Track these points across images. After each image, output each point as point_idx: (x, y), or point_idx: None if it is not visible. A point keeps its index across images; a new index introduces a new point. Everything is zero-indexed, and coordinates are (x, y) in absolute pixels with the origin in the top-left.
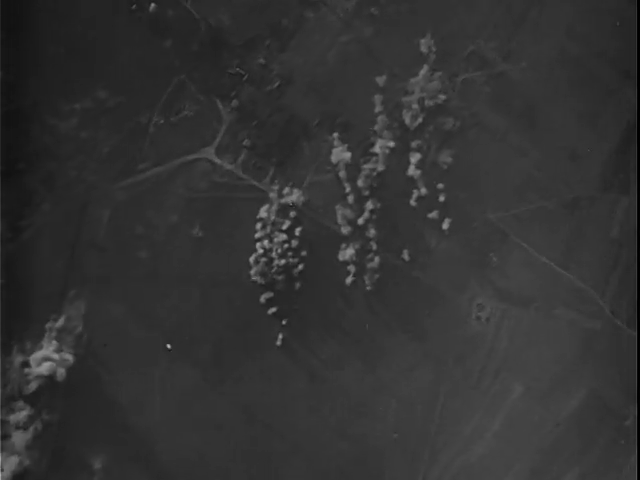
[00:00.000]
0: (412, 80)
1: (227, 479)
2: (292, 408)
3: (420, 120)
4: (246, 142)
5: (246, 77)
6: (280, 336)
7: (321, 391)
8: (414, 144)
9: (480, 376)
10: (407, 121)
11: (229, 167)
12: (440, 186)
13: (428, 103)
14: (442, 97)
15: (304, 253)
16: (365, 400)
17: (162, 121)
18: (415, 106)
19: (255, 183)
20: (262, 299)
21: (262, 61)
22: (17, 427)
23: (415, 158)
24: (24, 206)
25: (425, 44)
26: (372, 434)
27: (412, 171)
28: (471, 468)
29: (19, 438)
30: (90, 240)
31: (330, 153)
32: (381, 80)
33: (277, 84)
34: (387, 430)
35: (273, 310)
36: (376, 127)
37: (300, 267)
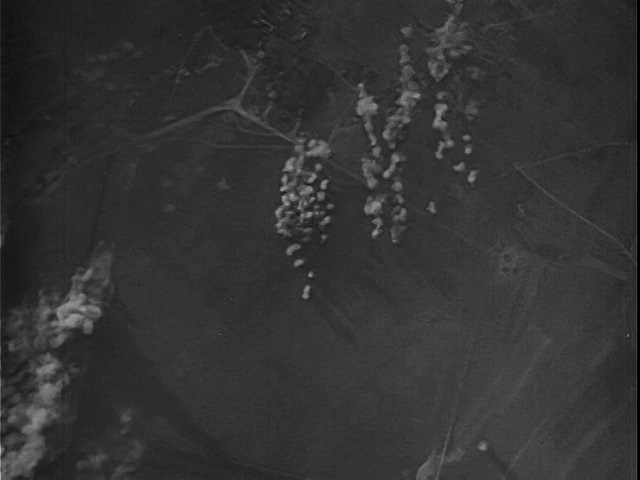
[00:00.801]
0: (438, 31)
1: (254, 433)
2: (320, 362)
3: (446, 71)
4: (272, 93)
5: (272, 28)
6: (307, 289)
7: (349, 344)
8: (440, 95)
9: (508, 328)
10: (433, 72)
11: (255, 119)
12: (466, 138)
13: (453, 54)
14: (467, 48)
15: (330, 206)
16: (393, 353)
17: (187, 73)
18: (440, 57)
19: (281, 135)
20: (289, 251)
21: (288, 11)
22: (45, 380)
23: (441, 110)
24: (51, 158)
25: None
26: (400, 387)
27: (438, 123)
28: (499, 420)
29: (47, 391)
30: (117, 193)
31: (356, 105)
32: (407, 30)
33: (303, 34)
34: (415, 382)
35: (300, 262)
36: (401, 78)
37: (327, 220)
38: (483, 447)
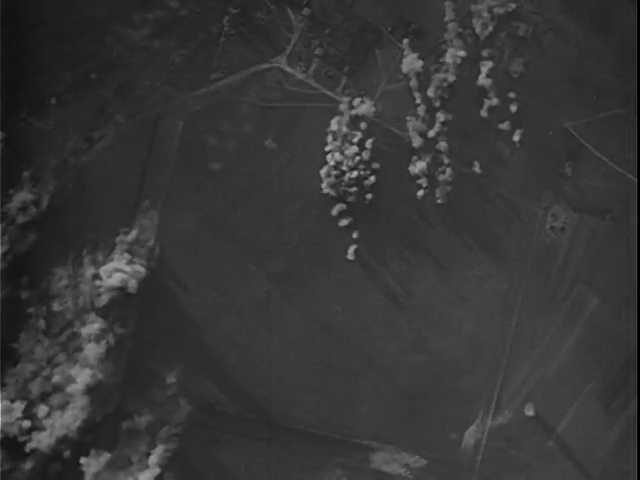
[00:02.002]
0: None
1: (302, 394)
2: (367, 322)
3: (491, 29)
4: (318, 51)
5: None
6: (352, 249)
7: (395, 305)
8: (485, 53)
9: (556, 287)
10: (477, 30)
11: (301, 76)
12: (512, 95)
13: (498, 11)
14: (513, 5)
15: (376, 165)
16: (440, 313)
17: (233, 31)
18: (485, 14)
19: (327, 92)
20: (334, 211)
21: None
22: (89, 340)
23: (486, 67)
24: (97, 117)
25: None
26: (448, 347)
27: (483, 80)
28: (547, 382)
29: (91, 351)
30: (163, 151)
31: (402, 62)
32: None
33: None
34: (463, 343)
35: (345, 222)
36: (446, 35)
37: (372, 179)
38: (531, 412)
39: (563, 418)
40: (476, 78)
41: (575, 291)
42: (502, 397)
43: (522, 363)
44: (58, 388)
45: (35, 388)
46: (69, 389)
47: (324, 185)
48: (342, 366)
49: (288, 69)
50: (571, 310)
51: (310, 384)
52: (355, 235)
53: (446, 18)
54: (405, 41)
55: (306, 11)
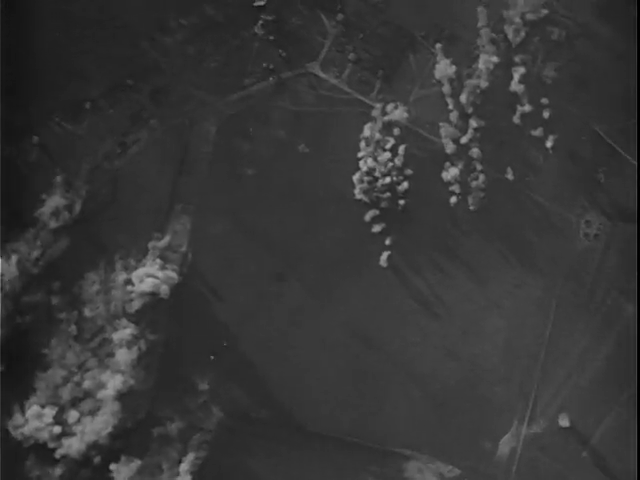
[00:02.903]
0: None
1: (335, 401)
2: (400, 329)
3: (523, 35)
4: (352, 56)
5: None
6: (385, 256)
7: (428, 311)
8: (518, 58)
9: (590, 294)
10: (510, 36)
11: (334, 81)
12: (544, 101)
13: (530, 17)
14: (544, 11)
15: (409, 171)
16: (474, 320)
17: (267, 36)
18: (517, 20)
19: (361, 97)
20: (367, 217)
21: None
22: (121, 345)
23: (519, 73)
24: (132, 122)
25: None
26: (482, 355)
27: (515, 86)
28: (581, 392)
29: (123, 357)
30: (197, 156)
31: (435, 68)
32: None
33: None
34: (497, 350)
35: (378, 229)
36: (479, 41)
37: (405, 185)
38: (565, 422)
39: (598, 428)
40: (509, 84)
41: (610, 299)
42: (537, 406)
43: (556, 371)
44: (89, 394)
45: (66, 394)
46: (100, 395)
47: (357, 191)
48: (375, 373)
49: (322, 74)
50: (606, 318)
51: (343, 391)
52: (388, 241)
53: (479, 24)
54: (438, 46)
55: (340, 16)
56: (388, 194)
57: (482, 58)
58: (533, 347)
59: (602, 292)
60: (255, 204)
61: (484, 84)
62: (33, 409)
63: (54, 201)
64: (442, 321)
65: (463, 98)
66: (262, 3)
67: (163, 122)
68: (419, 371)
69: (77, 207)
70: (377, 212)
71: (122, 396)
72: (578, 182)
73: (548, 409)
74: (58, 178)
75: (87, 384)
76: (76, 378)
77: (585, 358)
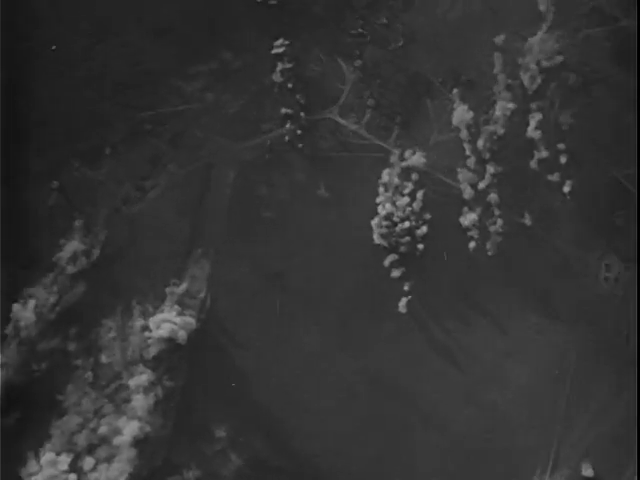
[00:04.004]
0: (530, 40)
1: (353, 448)
2: (420, 375)
3: (539, 81)
4: (370, 102)
5: (369, 37)
6: (404, 301)
7: (448, 357)
8: (534, 105)
9: (611, 339)
10: (526, 82)
11: (353, 127)
12: (561, 146)
13: (545, 64)
14: (560, 58)
15: (427, 216)
16: (494, 366)
17: (286, 82)
18: (533, 67)
19: (379, 142)
20: (386, 262)
21: (385, 21)
22: (138, 392)
23: (535, 119)
24: (151, 167)
25: (543, 2)
26: (503, 401)
27: (532, 132)
28: (605, 438)
29: (139, 402)
30: (215, 200)
31: (452, 114)
32: (500, 39)
33: (400, 43)
34: (518, 397)
35: (397, 274)
36: (496, 87)
37: (424, 229)
38: (589, 472)
39: (621, 478)
40: (526, 130)
41: (631, 343)
42: (559, 454)
43: (579, 418)
44: (105, 440)
45: (81, 440)
46: (116, 441)
47: (375, 236)
48: (394, 419)
49: (341, 120)
50: (628, 362)
51: (362, 438)
52: (407, 287)
53: (495, 70)
54: (455, 92)
55: (358, 62)
56: (407, 238)
57: (499, 104)
58: (555, 393)
59: (624, 335)
60: (274, 248)
61: (501, 130)
62: (48, 456)
63: (72, 246)
64: (462, 367)
65: (480, 144)
66: (280, 51)
67: (182, 167)
68: (439, 418)
69: (95, 252)
70: (396, 257)
71: (138, 442)
72: (597, 226)
73: (571, 457)
74: (77, 223)
75: (103, 430)
76: (92, 424)
77: (609, 404)
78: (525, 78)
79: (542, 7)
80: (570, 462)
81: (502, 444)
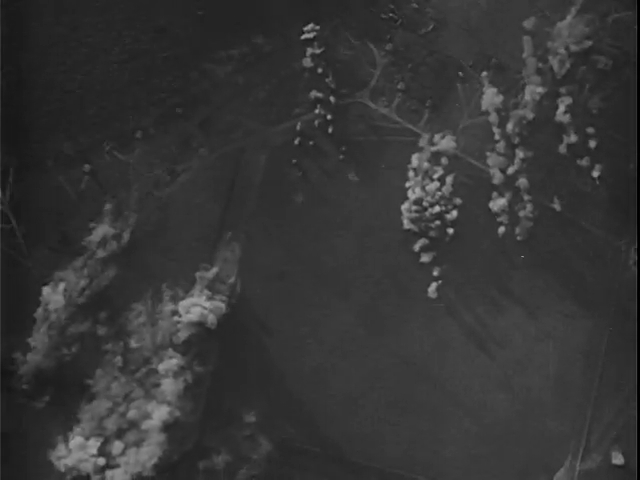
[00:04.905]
0: (559, 24)
1: (385, 432)
2: (450, 359)
3: (568, 66)
4: (400, 85)
5: (400, 21)
6: (434, 286)
7: (479, 342)
8: (563, 89)
9: None
10: (555, 67)
11: (384, 111)
12: (590, 131)
13: (574, 48)
14: (589, 42)
15: (457, 201)
16: (525, 351)
17: (316, 67)
18: (562, 51)
19: (410, 126)
20: (416, 247)
21: (415, 5)
22: (167, 376)
23: (564, 103)
24: (182, 150)
25: None
26: (533, 386)
27: (561, 117)
28: (634, 425)
29: (169, 387)
30: (246, 184)
31: (482, 97)
32: (529, 22)
33: (431, 27)
34: (548, 382)
35: (427, 259)
36: (525, 71)
37: (454, 214)
38: (618, 460)
39: None
40: (555, 114)
41: None
42: (590, 440)
43: (609, 404)
44: (134, 424)
45: (110, 425)
46: (145, 425)
47: (405, 220)
48: (426, 404)
49: (371, 104)
50: None
51: (393, 422)
52: (436, 272)
53: (524, 54)
54: (484, 74)
55: (389, 46)
56: (438, 222)
57: (528, 88)
58: (585, 379)
59: None
60: (305, 232)
61: (530, 115)
62: (77, 440)
63: (103, 230)
64: (492, 352)
65: (509, 128)
66: (310, 36)
67: (213, 150)
68: (470, 402)
69: (125, 236)
70: (426, 241)
71: (168, 427)
72: (626, 211)
73: (602, 443)
74: (107, 206)
75: (132, 414)
76: (121, 409)
77: (637, 390)
78: (554, 62)
79: None
80: (601, 448)
81: (533, 429)
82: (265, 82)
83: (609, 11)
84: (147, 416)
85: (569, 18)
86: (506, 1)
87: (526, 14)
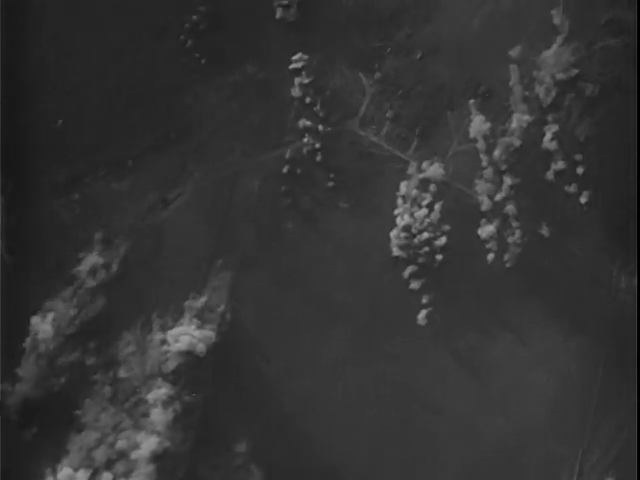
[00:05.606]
0: (545, 53)
1: (380, 458)
2: (441, 384)
3: (554, 94)
4: (389, 113)
5: (389, 49)
6: (423, 313)
7: (470, 367)
8: (550, 117)
9: (634, 349)
10: (541, 95)
11: (373, 138)
12: (578, 157)
13: (560, 77)
14: (575, 71)
15: (446, 227)
16: (518, 375)
17: (306, 95)
18: (548, 80)
19: (399, 154)
20: (405, 274)
21: (404, 33)
22: (155, 406)
23: (551, 131)
24: (175, 176)
25: (557, 15)
26: (529, 411)
27: (548, 144)
28: (630, 450)
29: (158, 417)
30: (240, 210)
31: (470, 125)
32: (515, 52)
33: (419, 55)
34: (543, 407)
35: (416, 285)
36: (512, 99)
37: (442, 240)
38: None
39: None
40: (542, 141)
41: None
42: (585, 465)
43: (606, 427)
44: (123, 455)
45: (99, 456)
46: (134, 455)
47: (394, 247)
48: (421, 430)
49: (360, 132)
50: None
51: (388, 448)
52: (425, 300)
53: (511, 82)
54: (472, 102)
55: (378, 75)
56: (426, 249)
57: (515, 116)
58: (581, 403)
59: None
60: (295, 259)
61: (517, 142)
62: (65, 472)
63: (92, 259)
64: (485, 378)
65: (497, 156)
66: (299, 66)
67: (206, 176)
68: (466, 427)
69: (115, 265)
70: (415, 268)
71: (157, 458)
72: (616, 235)
73: (596, 468)
74: (97, 235)
75: (121, 445)
76: (110, 439)
77: (633, 415)
78: (540, 90)
79: (557, 20)
80: (596, 473)
81: (528, 454)
82: (258, 108)
83: (595, 40)
84: (136, 446)
85: (555, 47)
86: (494, 30)
87: (513, 43)
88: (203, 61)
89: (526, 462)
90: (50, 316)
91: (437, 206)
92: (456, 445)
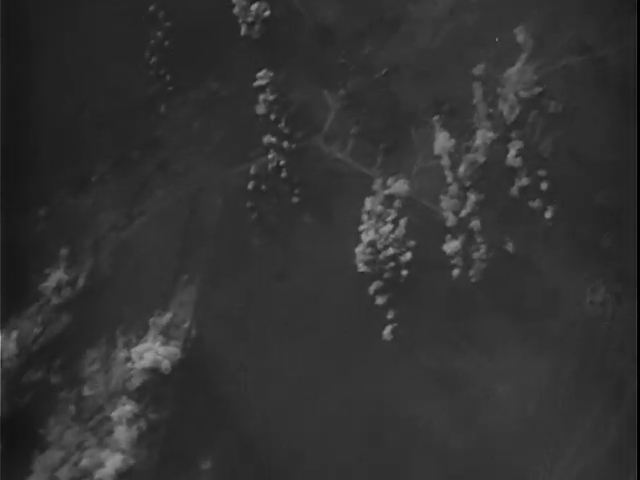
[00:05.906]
0: (508, 71)
1: (348, 476)
2: (408, 399)
3: (517, 112)
4: (354, 129)
5: (353, 67)
6: (389, 329)
7: (437, 382)
8: (514, 134)
9: (600, 362)
10: (505, 113)
11: (338, 155)
12: (542, 173)
13: (524, 95)
14: (538, 89)
15: (412, 243)
16: (485, 390)
17: (270, 112)
18: (511, 97)
19: (364, 170)
20: (371, 290)
21: (368, 51)
22: (120, 423)
23: (515, 147)
24: (140, 191)
25: (521, 33)
26: (494, 424)
27: (512, 160)
28: (596, 465)
29: (122, 435)
30: (203, 226)
31: (434, 141)
32: (478, 69)
33: (384, 72)
34: (509, 420)
35: (381, 301)
36: (476, 116)
37: (408, 256)
38: None
39: None
40: (506, 158)
41: (618, 367)
42: (553, 476)
43: (571, 441)
44: (86, 473)
45: (63, 475)
46: (98, 474)
47: (360, 263)
48: (388, 446)
49: (326, 148)
50: (617, 387)
51: (356, 466)
52: (391, 315)
53: (475, 99)
54: (435, 118)
55: (342, 92)
56: (391, 264)
57: (479, 133)
58: (547, 417)
59: (612, 360)
60: (261, 274)
61: (482, 158)
62: None
63: (57, 276)
64: (452, 392)
65: (461, 172)
66: (263, 83)
67: (170, 192)
68: (433, 442)
69: (80, 282)
70: (381, 284)
71: (122, 476)
72: (581, 250)
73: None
74: (62, 251)
75: (85, 463)
76: (74, 458)
77: (598, 430)
78: (504, 108)
79: (520, 38)
80: None
81: (496, 467)
82: (221, 126)
83: (559, 58)
84: (100, 465)
85: (518, 65)
86: (457, 47)
87: (476, 61)
88: (168, 78)
89: (493, 475)
90: (14, 334)
91: (402, 222)
92: (422, 460)
